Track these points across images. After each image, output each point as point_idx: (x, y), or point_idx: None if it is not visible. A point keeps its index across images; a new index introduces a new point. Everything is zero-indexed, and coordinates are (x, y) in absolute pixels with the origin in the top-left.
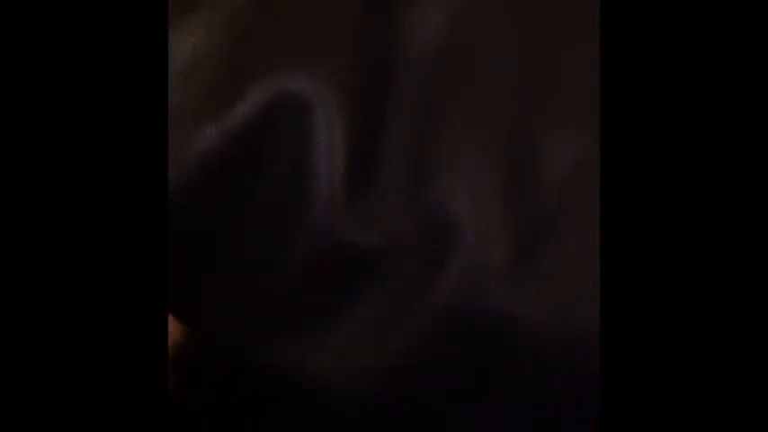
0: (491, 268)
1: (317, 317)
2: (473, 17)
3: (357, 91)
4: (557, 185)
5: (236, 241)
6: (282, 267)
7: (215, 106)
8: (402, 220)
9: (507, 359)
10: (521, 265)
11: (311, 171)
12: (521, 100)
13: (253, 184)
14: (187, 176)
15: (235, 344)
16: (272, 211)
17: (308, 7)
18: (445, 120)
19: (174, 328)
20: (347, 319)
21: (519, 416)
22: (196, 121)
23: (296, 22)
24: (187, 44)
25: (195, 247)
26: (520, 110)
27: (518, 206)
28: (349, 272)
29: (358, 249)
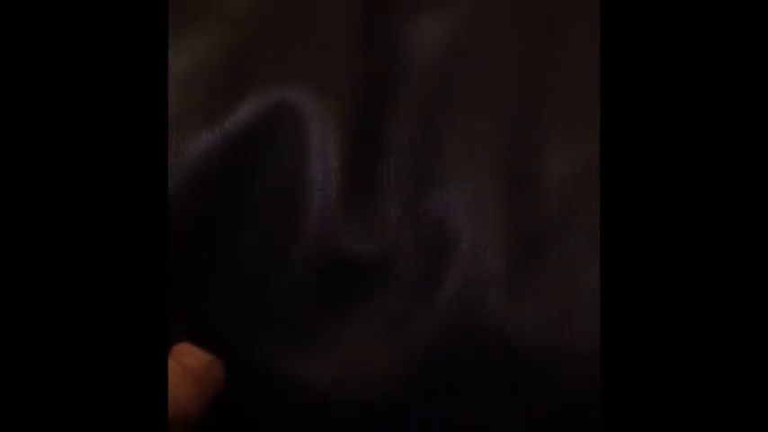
0: (490, 278)
1: (316, 326)
2: (471, 28)
3: (355, 99)
4: (557, 194)
5: (233, 249)
6: (280, 276)
7: (212, 114)
8: (400, 229)
9: (507, 369)
10: (520, 275)
11: (309, 180)
12: (520, 108)
13: (250, 193)
14: (184, 183)
15: (233, 350)
16: (269, 219)
17: (307, 16)
18: (444, 128)
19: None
20: (346, 329)
21: (519, 425)
22: (193, 129)
23: (295, 32)
24: (186, 52)
25: (194, 253)
26: (519, 119)
27: (517, 215)
28: (347, 281)
29: (356, 259)
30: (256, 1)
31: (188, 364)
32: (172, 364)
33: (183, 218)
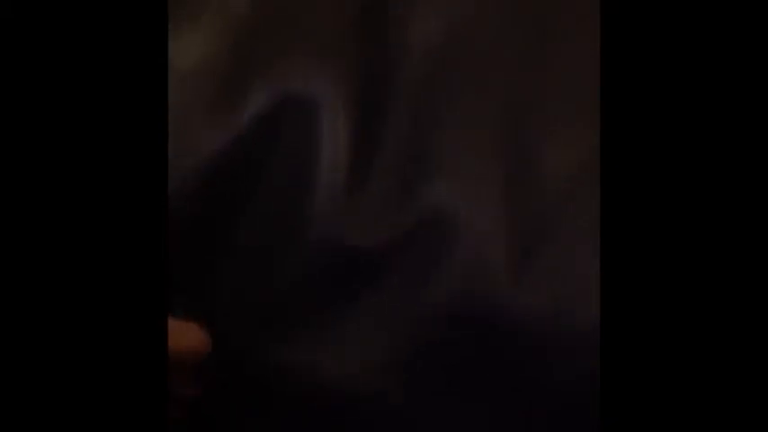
0: (490, 268)
1: (319, 316)
2: (473, 20)
3: (358, 93)
4: (556, 185)
5: (238, 242)
6: (284, 267)
7: (216, 112)
8: (403, 220)
9: (507, 359)
10: (520, 266)
11: (312, 173)
12: (521, 101)
13: (255, 186)
14: (190, 179)
15: (236, 343)
16: (273, 212)
17: (309, 12)
18: (446, 120)
19: (176, 330)
20: (348, 319)
21: (519, 415)
22: (198, 126)
23: (296, 27)
24: (189, 49)
25: (199, 248)
26: (520, 110)
27: (518, 206)
28: (351, 272)
29: (359, 249)
30: None
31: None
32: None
33: (188, 212)
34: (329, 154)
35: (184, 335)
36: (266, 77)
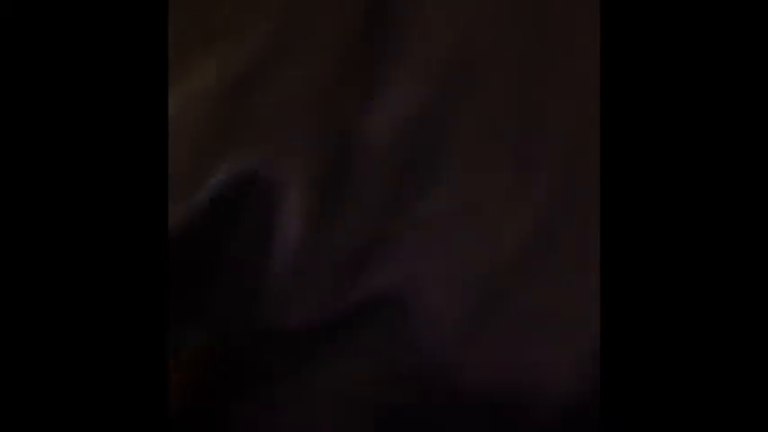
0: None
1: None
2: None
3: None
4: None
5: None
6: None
7: (184, 184)
8: (354, 296)
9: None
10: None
11: (273, 240)
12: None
13: (222, 253)
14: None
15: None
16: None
17: (274, 85)
18: (416, 182)
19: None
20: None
21: None
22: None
23: (264, 101)
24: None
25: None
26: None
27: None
28: (298, 350)
29: (320, 320)
30: (224, 72)
31: None
32: None
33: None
34: (288, 227)
35: None
36: (232, 153)
